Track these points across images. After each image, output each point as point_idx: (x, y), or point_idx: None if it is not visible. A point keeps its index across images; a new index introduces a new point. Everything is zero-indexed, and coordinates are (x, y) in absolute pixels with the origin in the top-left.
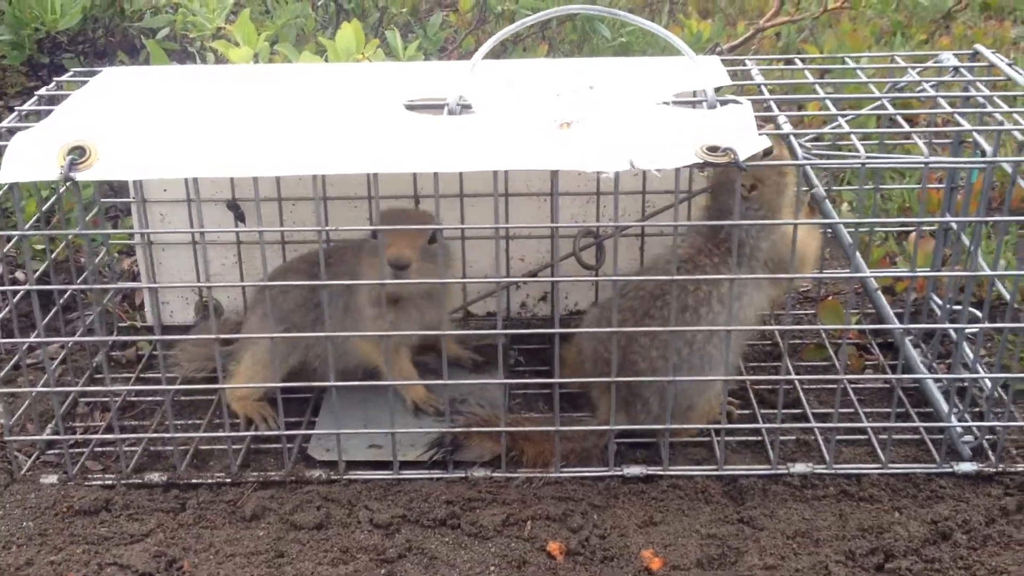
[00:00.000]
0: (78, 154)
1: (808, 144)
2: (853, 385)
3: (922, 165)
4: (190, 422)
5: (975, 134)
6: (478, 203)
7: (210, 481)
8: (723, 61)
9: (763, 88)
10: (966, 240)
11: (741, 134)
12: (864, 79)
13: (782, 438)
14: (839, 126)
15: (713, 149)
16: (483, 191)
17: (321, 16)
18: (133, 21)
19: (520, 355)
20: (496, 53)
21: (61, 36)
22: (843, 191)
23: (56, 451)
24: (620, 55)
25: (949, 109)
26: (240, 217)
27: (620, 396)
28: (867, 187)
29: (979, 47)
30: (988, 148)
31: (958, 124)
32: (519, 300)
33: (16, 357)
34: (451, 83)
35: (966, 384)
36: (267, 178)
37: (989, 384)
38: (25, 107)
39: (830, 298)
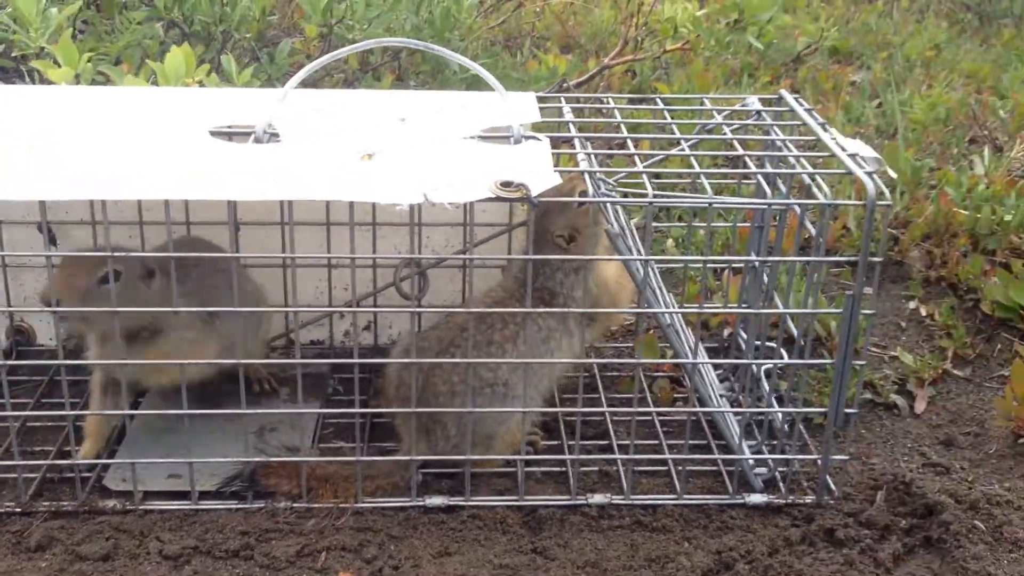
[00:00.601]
0: None
1: (611, 182)
2: (662, 417)
3: (706, 204)
4: None
5: (776, 178)
6: (303, 231)
7: None
8: (565, 97)
9: (571, 126)
10: (766, 279)
11: (536, 170)
12: (669, 120)
13: (587, 469)
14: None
15: (507, 184)
16: (308, 219)
17: (170, 38)
18: None
19: (339, 384)
20: (349, 81)
21: None
22: (672, 227)
23: None
24: (472, 87)
25: (742, 152)
26: (52, 240)
27: (421, 423)
28: (680, 224)
29: (783, 92)
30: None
31: (759, 166)
32: (343, 328)
33: None
34: (262, 111)
35: (762, 417)
36: (81, 201)
37: (780, 417)
38: None
39: (650, 332)
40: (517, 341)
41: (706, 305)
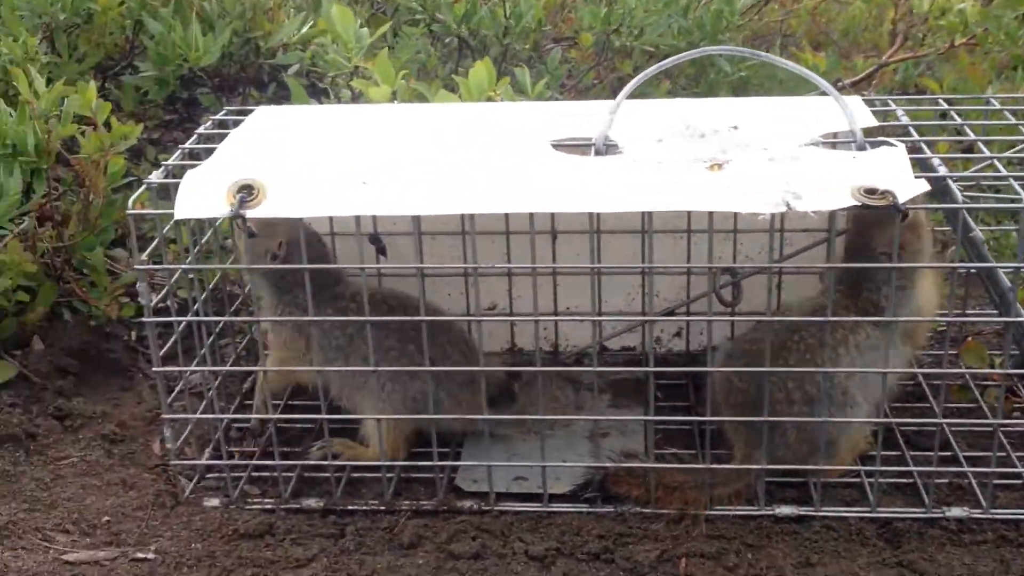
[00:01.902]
0: (247, 192)
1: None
2: (1004, 429)
3: None
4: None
5: None
6: (613, 240)
7: (364, 508)
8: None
9: (911, 129)
10: None
11: (899, 176)
12: (1013, 120)
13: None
14: (991, 166)
15: (871, 191)
16: (617, 228)
17: (440, 50)
18: (266, 58)
19: (658, 391)
20: (615, 89)
21: (199, 72)
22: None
23: (215, 475)
24: (739, 89)
25: None
26: (381, 251)
27: (756, 428)
28: None
29: None
30: None
31: None
32: (653, 335)
33: (180, 385)
34: (594, 122)
35: None
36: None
37: None
38: (187, 145)
39: (970, 339)
40: (849, 345)
41: None
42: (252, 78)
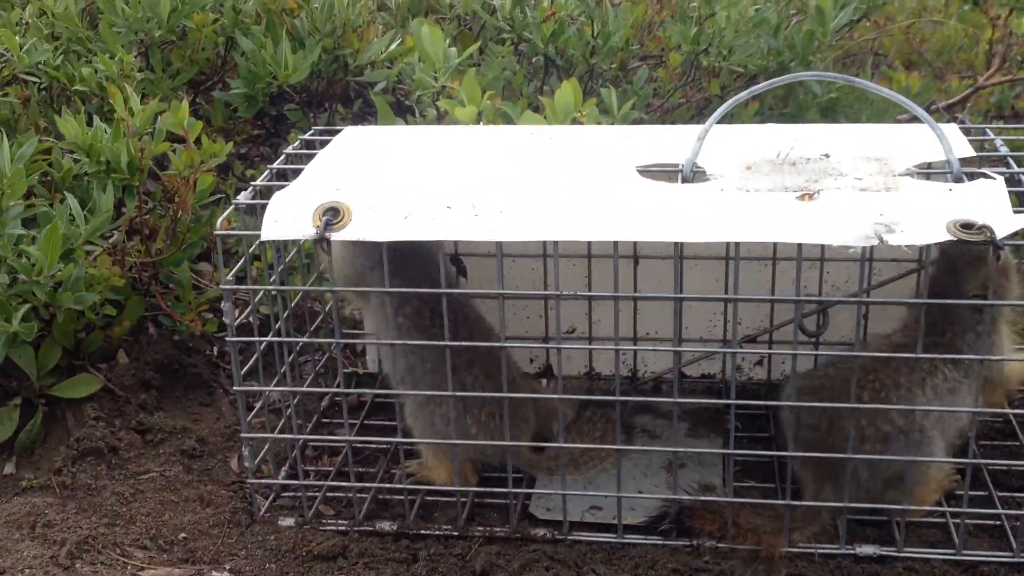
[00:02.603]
0: (332, 215)
1: None
2: None
3: None
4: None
5: None
6: (696, 265)
7: (437, 533)
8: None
9: (1011, 160)
10: None
11: (996, 210)
12: None
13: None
14: None
15: (968, 226)
16: (702, 253)
17: (526, 68)
18: (354, 75)
19: (737, 421)
20: (699, 108)
21: (287, 89)
22: None
23: (290, 494)
24: (828, 111)
25: None
26: (462, 272)
27: (826, 465)
28: None
29: None
30: None
31: None
32: (735, 364)
33: (260, 403)
34: (681, 148)
35: None
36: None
37: None
38: (275, 165)
39: None
40: (925, 387)
41: None
42: (339, 94)
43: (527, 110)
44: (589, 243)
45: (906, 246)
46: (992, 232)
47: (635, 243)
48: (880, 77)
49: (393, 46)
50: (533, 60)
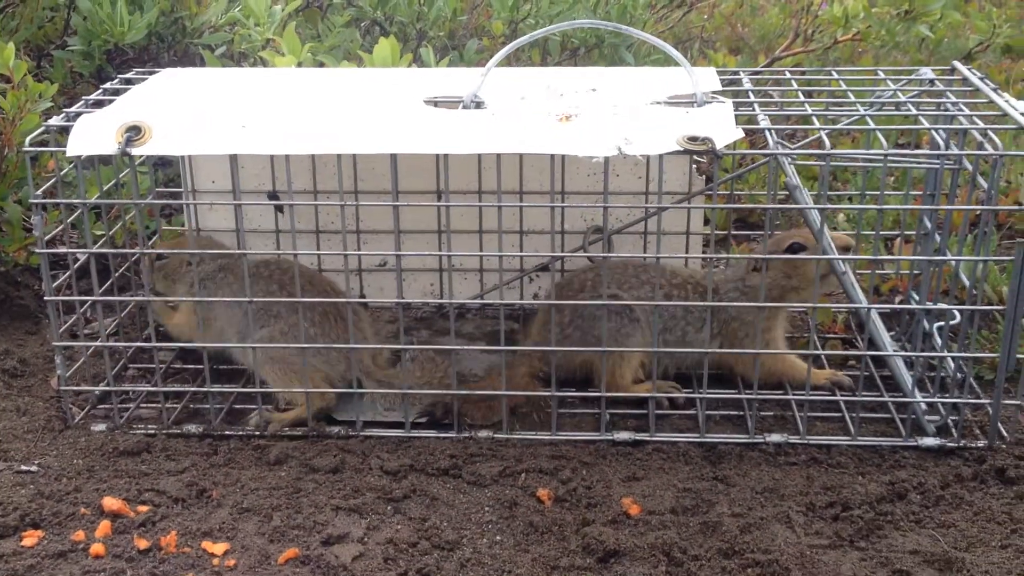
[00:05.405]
0: (134, 132)
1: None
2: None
3: (881, 158)
4: (227, 388)
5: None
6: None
7: (241, 433)
8: (746, 72)
9: (751, 94)
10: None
11: (720, 127)
12: (852, 97)
13: (764, 413)
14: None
15: (693, 138)
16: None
17: (367, 41)
18: (193, 38)
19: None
20: None
21: (127, 50)
22: (842, 209)
23: (107, 406)
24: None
25: (916, 112)
26: (280, 208)
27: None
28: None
29: (956, 63)
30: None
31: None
32: (532, 292)
33: (76, 314)
34: (468, 84)
35: (934, 374)
36: (302, 170)
37: (952, 364)
38: (91, 97)
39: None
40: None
41: (878, 269)
42: (179, 57)
43: (346, 63)
44: (395, 182)
45: (640, 155)
46: (712, 143)
47: (437, 178)
48: (701, 58)
49: (234, 11)
50: (369, 30)
